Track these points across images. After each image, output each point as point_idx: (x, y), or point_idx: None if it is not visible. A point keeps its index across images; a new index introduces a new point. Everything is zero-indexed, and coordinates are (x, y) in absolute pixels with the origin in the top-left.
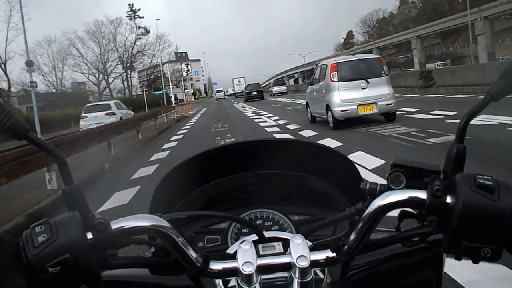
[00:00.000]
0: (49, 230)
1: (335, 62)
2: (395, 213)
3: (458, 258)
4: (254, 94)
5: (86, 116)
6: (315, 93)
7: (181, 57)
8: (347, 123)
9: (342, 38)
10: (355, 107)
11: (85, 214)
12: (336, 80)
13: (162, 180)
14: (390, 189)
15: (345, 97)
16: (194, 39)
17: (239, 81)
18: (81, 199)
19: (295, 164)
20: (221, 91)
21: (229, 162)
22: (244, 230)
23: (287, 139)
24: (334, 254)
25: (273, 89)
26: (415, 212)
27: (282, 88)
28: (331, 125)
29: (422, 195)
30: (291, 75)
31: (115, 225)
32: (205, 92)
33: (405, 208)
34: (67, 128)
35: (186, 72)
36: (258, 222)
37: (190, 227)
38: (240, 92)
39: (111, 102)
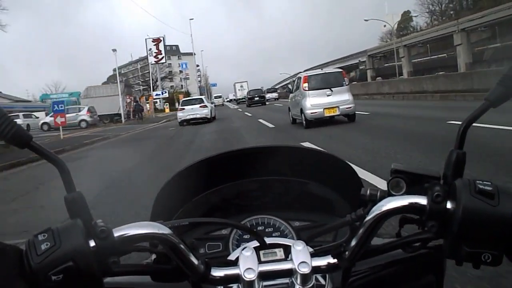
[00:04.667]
0: (52, 238)
1: (307, 75)
2: (395, 219)
3: (459, 263)
4: (256, 99)
5: (183, 109)
6: (293, 99)
7: (170, 50)
8: (317, 124)
9: (384, 26)
10: (322, 110)
11: (88, 221)
12: (307, 89)
13: (163, 186)
14: (391, 195)
15: (314, 102)
16: (189, 38)
17: (241, 86)
18: (83, 207)
19: (296, 170)
20: (219, 97)
21: (230, 168)
22: (246, 237)
23: (288, 145)
24: (335, 260)
25: (266, 96)
26: (415, 217)
27: (274, 95)
28: (304, 124)
29: (423, 201)
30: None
31: (117, 232)
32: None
33: (405, 214)
34: None
35: (155, 57)
36: (259, 228)
37: (191, 233)
38: (242, 98)
39: (203, 97)
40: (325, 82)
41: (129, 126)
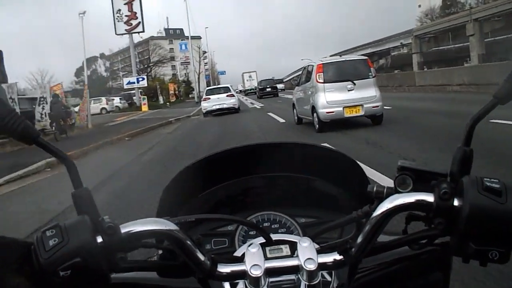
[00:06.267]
0: (60, 234)
1: (321, 63)
2: (401, 215)
3: (466, 260)
4: (268, 90)
5: (209, 98)
6: (301, 94)
7: (174, 34)
8: (333, 126)
9: (419, 5)
10: (341, 109)
11: (95, 218)
12: (322, 81)
13: (170, 182)
14: (397, 192)
15: (330, 98)
16: (194, 20)
17: (250, 76)
18: (90, 203)
19: (303, 167)
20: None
21: (236, 164)
22: (251, 233)
23: (294, 142)
24: (341, 257)
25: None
26: (422, 215)
27: (280, 86)
28: (316, 126)
29: (429, 198)
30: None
31: (124, 229)
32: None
33: (412, 211)
34: None
35: (127, 23)
36: (265, 224)
37: (197, 229)
38: (251, 89)
39: (228, 85)
40: (346, 73)
41: None
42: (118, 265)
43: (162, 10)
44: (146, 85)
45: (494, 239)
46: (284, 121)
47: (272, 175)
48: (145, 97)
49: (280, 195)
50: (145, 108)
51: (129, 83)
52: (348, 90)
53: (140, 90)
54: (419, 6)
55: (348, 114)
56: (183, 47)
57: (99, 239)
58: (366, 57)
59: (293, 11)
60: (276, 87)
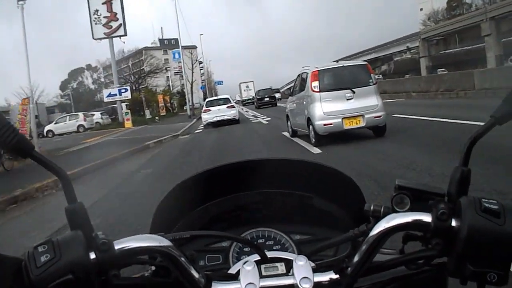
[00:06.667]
0: (52, 250)
1: (317, 69)
2: (399, 234)
3: (464, 282)
4: (266, 100)
5: (209, 110)
6: (295, 105)
7: (169, 45)
8: (332, 139)
9: (421, 9)
10: (340, 120)
11: (88, 233)
12: (318, 90)
13: (164, 198)
14: (395, 211)
15: (328, 109)
16: (191, 31)
17: (247, 86)
18: (84, 218)
19: (298, 184)
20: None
21: (231, 180)
22: (246, 249)
23: (290, 158)
24: (337, 276)
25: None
26: (419, 234)
27: (277, 95)
28: (313, 140)
29: (427, 218)
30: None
31: (118, 245)
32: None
33: (409, 231)
34: None
35: (107, 25)
36: (260, 241)
37: (191, 245)
38: (249, 99)
39: (228, 96)
40: (344, 80)
41: None
42: (111, 283)
43: (157, 22)
44: (129, 97)
45: (493, 261)
46: (320, 151)
47: (267, 191)
48: (128, 111)
49: (275, 211)
50: (128, 124)
51: (110, 95)
52: (347, 99)
53: (126, 103)
54: (421, 9)
55: (347, 125)
56: (177, 55)
57: (92, 255)
58: (365, 62)
59: (292, 18)
60: (275, 96)
